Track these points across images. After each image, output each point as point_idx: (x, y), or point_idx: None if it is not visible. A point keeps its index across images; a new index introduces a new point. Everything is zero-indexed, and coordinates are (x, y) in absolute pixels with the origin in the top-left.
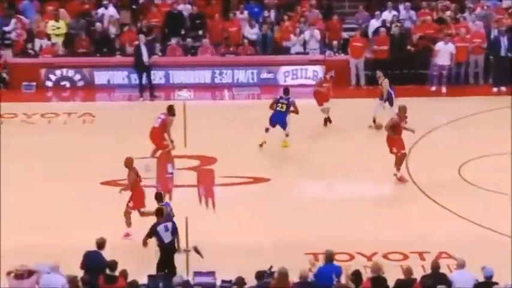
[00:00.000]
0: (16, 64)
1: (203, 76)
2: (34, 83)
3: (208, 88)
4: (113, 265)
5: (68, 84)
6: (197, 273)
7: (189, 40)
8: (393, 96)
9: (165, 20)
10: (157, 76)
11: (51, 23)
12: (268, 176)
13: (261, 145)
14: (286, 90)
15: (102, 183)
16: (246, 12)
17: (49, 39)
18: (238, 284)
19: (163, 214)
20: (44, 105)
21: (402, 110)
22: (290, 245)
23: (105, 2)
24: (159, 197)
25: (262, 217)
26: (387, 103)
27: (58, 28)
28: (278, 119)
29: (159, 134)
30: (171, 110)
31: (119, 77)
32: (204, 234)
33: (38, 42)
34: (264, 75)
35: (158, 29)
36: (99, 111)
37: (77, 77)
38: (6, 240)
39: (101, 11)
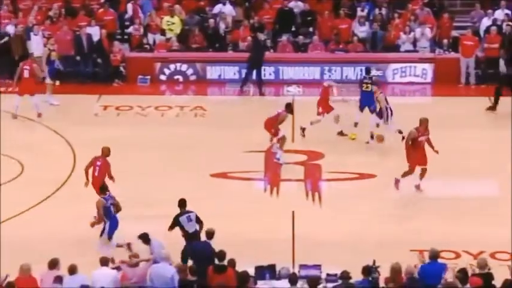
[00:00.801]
0: (132, 58)
1: (312, 72)
2: (149, 77)
3: (317, 84)
4: (222, 255)
5: (181, 78)
6: (303, 266)
7: (300, 37)
8: (389, 112)
9: (276, 16)
10: (267, 72)
11: (166, 18)
12: (374, 172)
13: (341, 133)
14: (368, 69)
15: (211, 175)
16: (361, 10)
17: (163, 34)
18: (344, 278)
19: (185, 205)
20: (157, 98)
21: (422, 123)
22: (395, 242)
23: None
24: (102, 189)
25: (367, 213)
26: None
27: (173, 24)
28: (366, 100)
29: (271, 124)
30: (288, 107)
31: (230, 71)
32: (310, 228)
33: (151, 37)
34: (373, 72)
35: (270, 25)
36: (210, 105)
37: (190, 71)
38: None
39: (218, 7)
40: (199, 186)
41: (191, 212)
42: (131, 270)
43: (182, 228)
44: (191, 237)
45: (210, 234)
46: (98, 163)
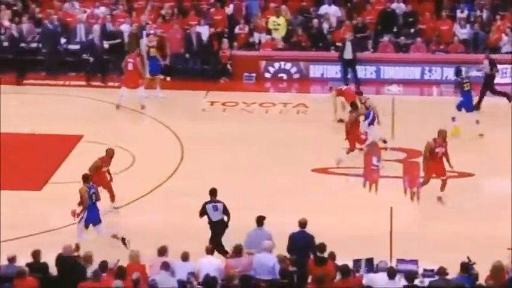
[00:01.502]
0: (239, 56)
1: (413, 72)
2: (254, 74)
3: (417, 84)
4: (322, 247)
5: (284, 76)
6: (400, 261)
7: (402, 38)
8: (371, 117)
9: (378, 17)
10: (368, 71)
11: (272, 18)
12: (472, 170)
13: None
14: (458, 71)
15: (313, 170)
16: (461, 12)
17: (269, 33)
18: (440, 274)
19: (215, 194)
20: (262, 95)
21: (440, 134)
22: (491, 240)
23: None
24: (85, 178)
25: (464, 211)
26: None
27: (278, 24)
28: (467, 99)
29: (352, 130)
30: (353, 106)
31: (333, 70)
32: (408, 224)
33: (256, 36)
34: (474, 72)
35: (372, 26)
36: (312, 102)
37: (294, 69)
38: None
39: (324, 8)
40: (301, 180)
41: (220, 202)
42: (235, 260)
43: (208, 215)
44: (213, 225)
45: (303, 224)
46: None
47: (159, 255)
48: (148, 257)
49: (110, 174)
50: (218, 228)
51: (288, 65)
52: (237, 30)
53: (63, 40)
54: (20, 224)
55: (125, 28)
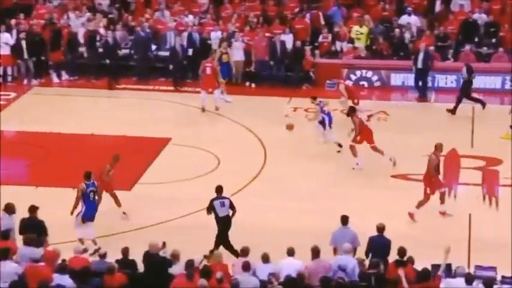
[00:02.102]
0: (321, 64)
1: (493, 82)
2: (336, 82)
3: (498, 93)
4: (403, 251)
5: (366, 84)
6: (478, 267)
7: (484, 48)
8: (326, 119)
9: (460, 27)
10: (449, 80)
11: (356, 28)
12: None
13: None
14: None
15: (392, 176)
16: None
17: (351, 42)
18: None
19: (221, 191)
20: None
21: (438, 148)
22: None
23: (409, 9)
24: (86, 175)
25: None
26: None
27: (361, 33)
28: None
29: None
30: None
31: (413, 79)
32: (486, 231)
33: (338, 45)
34: None
35: (453, 36)
36: (393, 110)
37: (375, 77)
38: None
39: (405, 18)
40: (380, 186)
41: (226, 198)
42: (315, 262)
43: (215, 211)
44: (219, 221)
45: (381, 228)
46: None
47: (240, 256)
48: (231, 257)
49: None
50: (225, 223)
51: (370, 73)
52: (320, 38)
53: (153, 47)
54: (112, 222)
55: (214, 36)
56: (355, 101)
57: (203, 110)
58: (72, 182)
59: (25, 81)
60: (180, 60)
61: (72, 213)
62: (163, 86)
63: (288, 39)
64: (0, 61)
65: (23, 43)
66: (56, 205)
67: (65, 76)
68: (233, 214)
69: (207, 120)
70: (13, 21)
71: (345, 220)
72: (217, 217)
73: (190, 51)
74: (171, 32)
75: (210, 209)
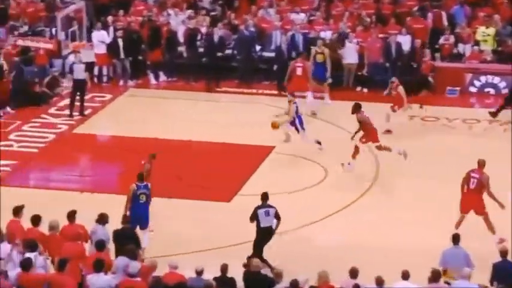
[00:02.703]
0: (442, 68)
1: None
2: (458, 88)
3: None
4: None
5: (492, 91)
6: None
7: None
8: (297, 121)
9: None
10: None
11: (482, 29)
12: None
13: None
14: None
15: None
16: None
17: (476, 44)
18: None
19: (266, 198)
20: (466, 111)
21: (481, 165)
22: None
23: None
24: (139, 176)
25: None
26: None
27: (488, 35)
28: None
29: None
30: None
31: None
32: None
33: (461, 47)
34: None
35: None
36: None
37: (502, 84)
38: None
39: None
40: (499, 199)
41: (272, 207)
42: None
43: (257, 220)
44: (262, 231)
45: (505, 252)
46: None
47: (351, 277)
48: (339, 278)
49: None
50: (266, 234)
51: (497, 79)
52: (441, 40)
53: (258, 47)
54: (209, 236)
55: (324, 36)
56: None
57: (313, 114)
58: (168, 192)
59: (121, 82)
60: (285, 62)
61: (124, 216)
62: (267, 90)
63: (405, 41)
64: (95, 60)
65: (120, 41)
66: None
67: (162, 77)
68: (277, 225)
69: (311, 127)
70: (110, 18)
71: (456, 239)
72: (258, 227)
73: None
74: (276, 31)
75: (254, 217)
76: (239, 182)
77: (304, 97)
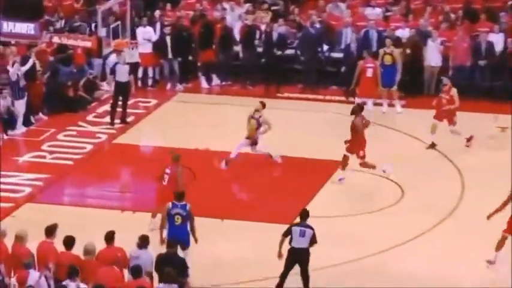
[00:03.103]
0: None
1: None
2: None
3: None
4: None
5: None
6: None
7: None
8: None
9: None
10: None
11: None
12: None
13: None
14: None
15: None
16: None
17: None
18: None
19: (305, 217)
20: None
21: None
22: None
23: None
24: (177, 195)
25: None
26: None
27: None
28: None
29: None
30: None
31: None
32: None
33: None
34: None
35: None
36: None
37: None
38: None
39: None
40: None
41: (309, 227)
42: None
43: (290, 238)
44: (292, 253)
45: None
46: (168, 171)
47: None
48: None
49: None
50: (296, 256)
51: None
52: None
53: (325, 47)
54: (265, 261)
55: (401, 34)
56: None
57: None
58: (220, 212)
59: (168, 86)
60: (355, 63)
61: (161, 239)
62: (335, 96)
63: (497, 40)
64: (140, 61)
65: (168, 39)
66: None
67: (215, 80)
68: (310, 245)
69: (382, 138)
70: (157, 13)
71: None
72: (290, 245)
73: (365, 53)
74: (347, 29)
75: (287, 234)
76: (302, 202)
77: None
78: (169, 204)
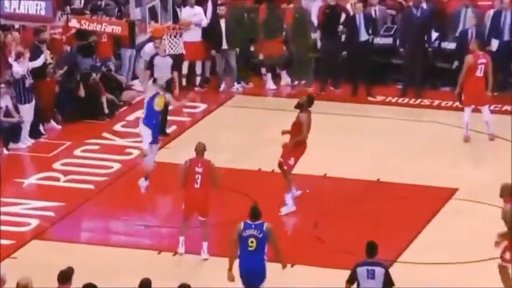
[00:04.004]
0: None
1: None
2: None
3: None
4: None
5: None
6: None
7: None
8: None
9: None
10: None
11: None
12: None
13: None
14: None
15: None
16: None
17: None
18: None
19: (373, 252)
20: None
21: None
22: None
23: None
24: (251, 214)
25: None
26: None
27: None
28: None
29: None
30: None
31: None
32: None
33: None
34: None
35: None
36: None
37: None
38: None
39: None
40: None
41: (380, 265)
42: None
43: (358, 283)
44: None
45: None
46: (198, 169)
47: None
48: None
49: None
50: None
51: None
52: None
53: (434, 34)
54: None
55: None
56: None
57: (491, 138)
58: (299, 256)
59: (222, 86)
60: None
61: (230, 269)
62: (446, 100)
63: None
64: (185, 52)
65: (222, 24)
66: None
67: (285, 79)
68: None
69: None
70: None
71: None
72: None
73: (495, 43)
74: (466, 9)
75: (352, 279)
76: (403, 241)
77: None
78: (241, 225)
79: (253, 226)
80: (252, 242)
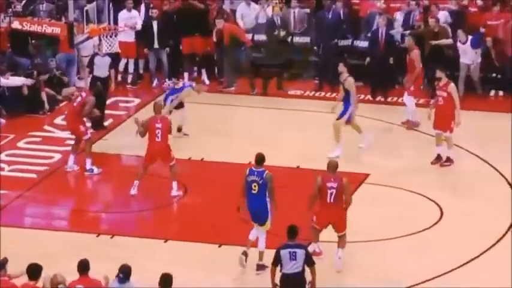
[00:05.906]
0: None
1: None
2: None
3: None
4: None
5: None
6: None
7: None
8: None
9: None
10: None
11: None
12: None
13: None
14: None
15: None
16: None
17: None
18: None
19: (293, 234)
20: None
21: None
22: None
23: None
24: (256, 159)
25: None
26: None
27: None
28: None
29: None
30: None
31: None
32: None
33: None
34: None
35: None
36: None
37: None
38: None
39: None
40: None
41: (301, 247)
42: None
43: (280, 265)
44: (285, 279)
45: None
46: (158, 125)
47: None
48: None
49: None
50: (291, 286)
51: None
52: None
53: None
54: None
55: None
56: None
57: None
58: None
59: (155, 82)
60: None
61: (238, 207)
62: (360, 94)
63: None
64: (120, 51)
65: (155, 25)
66: None
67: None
68: (313, 275)
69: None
70: None
71: None
72: (282, 273)
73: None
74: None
75: (276, 261)
76: None
77: None
78: (247, 170)
79: (255, 173)
80: (255, 186)
